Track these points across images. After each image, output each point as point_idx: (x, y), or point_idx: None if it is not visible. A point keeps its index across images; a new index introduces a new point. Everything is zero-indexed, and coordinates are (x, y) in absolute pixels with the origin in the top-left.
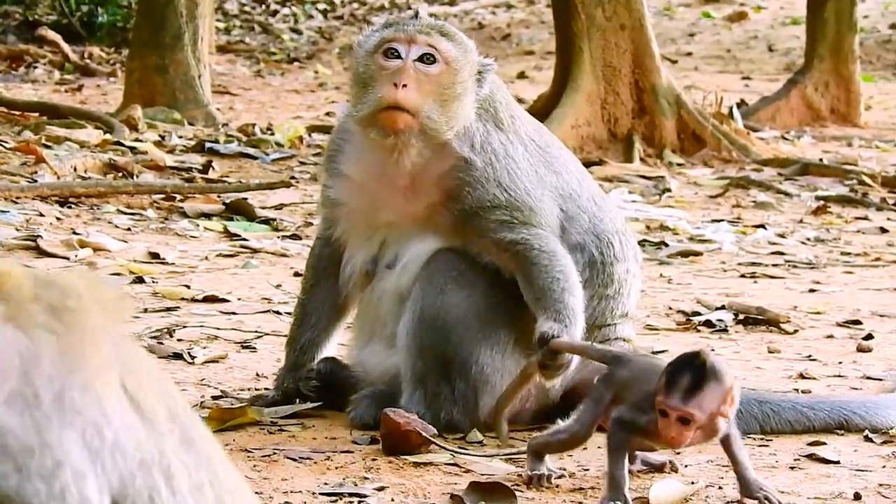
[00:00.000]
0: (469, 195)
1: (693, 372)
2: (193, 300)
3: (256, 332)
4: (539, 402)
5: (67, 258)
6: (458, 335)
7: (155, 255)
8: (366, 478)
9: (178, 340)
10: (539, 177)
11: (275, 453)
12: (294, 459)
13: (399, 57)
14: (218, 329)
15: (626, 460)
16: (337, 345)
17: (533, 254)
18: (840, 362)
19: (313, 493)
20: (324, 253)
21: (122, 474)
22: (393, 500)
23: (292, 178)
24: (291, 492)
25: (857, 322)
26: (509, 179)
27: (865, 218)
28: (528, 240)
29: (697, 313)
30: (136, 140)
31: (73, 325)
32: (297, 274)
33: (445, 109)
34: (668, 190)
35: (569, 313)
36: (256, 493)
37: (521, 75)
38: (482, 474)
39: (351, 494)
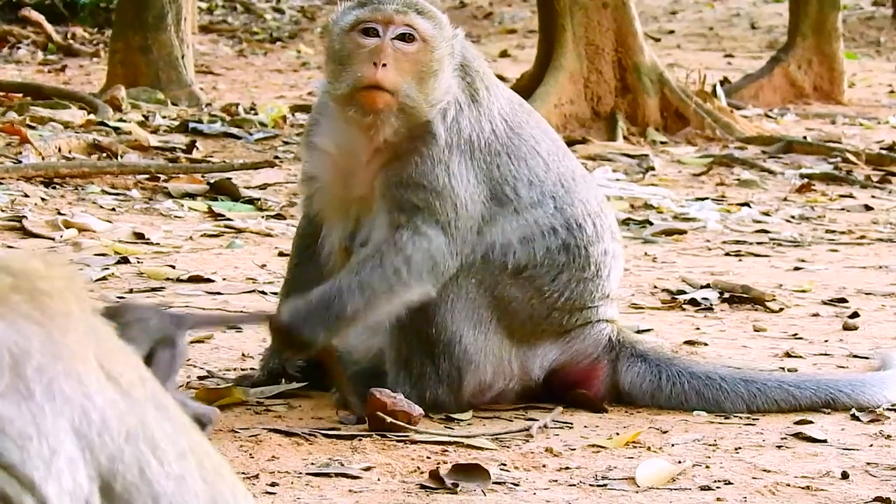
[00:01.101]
0: (415, 165)
1: None
2: (178, 280)
3: (242, 311)
4: (522, 383)
5: (52, 238)
6: (440, 315)
7: (140, 236)
8: (352, 457)
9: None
10: (488, 169)
11: (261, 433)
12: (280, 439)
13: (377, 35)
14: (203, 309)
15: None
16: None
17: (401, 236)
18: (826, 340)
19: (300, 473)
20: (307, 231)
21: (111, 452)
22: (379, 479)
23: (276, 157)
24: (278, 472)
25: (843, 300)
26: (457, 167)
27: (850, 196)
28: (412, 227)
29: (682, 292)
30: (120, 120)
31: (52, 311)
32: (281, 254)
33: (424, 87)
34: (652, 168)
35: (339, 312)
36: (243, 473)
37: (504, 54)
38: (468, 452)
39: (338, 474)
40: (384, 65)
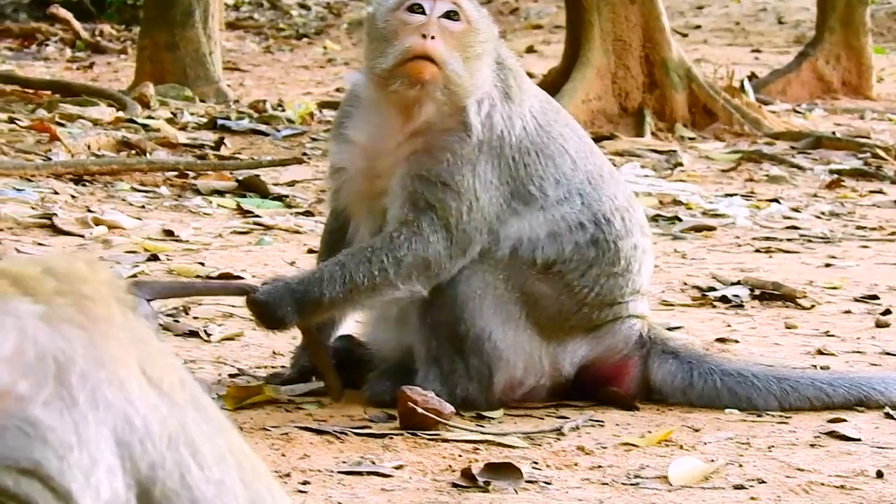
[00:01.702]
0: (446, 163)
1: None
2: (208, 277)
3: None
4: (553, 380)
5: (82, 236)
6: (469, 311)
7: (169, 233)
8: (384, 455)
9: (194, 318)
10: (515, 168)
11: (292, 431)
12: (312, 437)
13: (423, 12)
14: (233, 307)
15: None
16: (353, 322)
17: (399, 235)
18: (858, 338)
19: (331, 471)
20: (334, 227)
21: (152, 459)
22: (411, 477)
23: (304, 154)
24: (310, 470)
25: (875, 297)
26: (483, 168)
27: (880, 191)
28: (415, 228)
29: (713, 288)
30: (149, 117)
31: (95, 315)
32: (310, 251)
33: (468, 67)
34: (680, 164)
35: (315, 298)
36: (275, 471)
37: (530, 49)
38: (499, 450)
39: (369, 472)
40: (433, 37)
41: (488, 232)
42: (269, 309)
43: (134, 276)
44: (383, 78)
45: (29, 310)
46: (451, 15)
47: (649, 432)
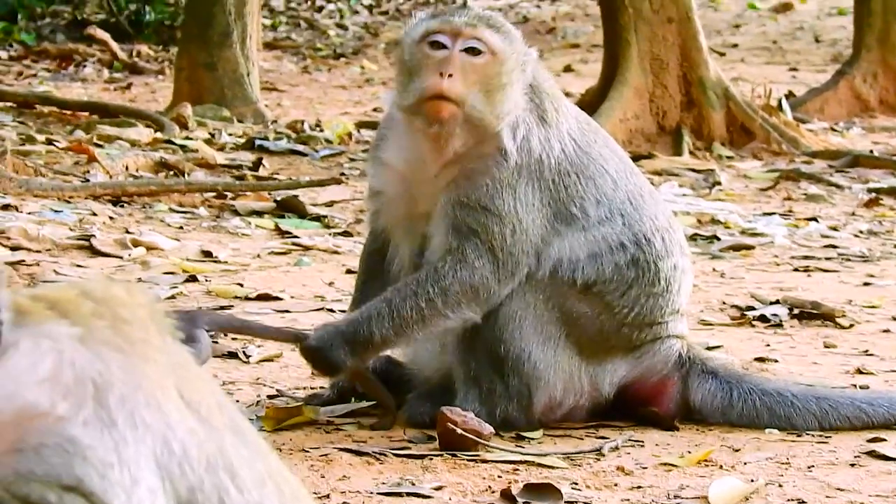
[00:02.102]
0: (485, 188)
1: None
2: (247, 298)
3: (310, 329)
4: (592, 400)
5: (121, 257)
6: (509, 331)
7: (207, 254)
8: (423, 476)
9: (233, 339)
10: (556, 190)
11: (332, 452)
12: (351, 458)
13: (445, 47)
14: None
15: None
16: None
17: (444, 265)
18: None
19: (371, 493)
20: (373, 248)
21: (191, 483)
22: (451, 498)
23: (342, 174)
24: (349, 491)
25: None
26: (523, 191)
27: None
28: (460, 255)
29: (752, 308)
30: (187, 138)
31: (133, 338)
32: (349, 271)
33: (491, 100)
34: (719, 183)
35: (366, 337)
36: (314, 493)
37: (567, 69)
38: (539, 471)
39: (409, 493)
40: (450, 75)
41: (534, 254)
42: (322, 354)
43: (172, 297)
44: (407, 114)
45: (66, 332)
46: (473, 50)
47: (689, 452)
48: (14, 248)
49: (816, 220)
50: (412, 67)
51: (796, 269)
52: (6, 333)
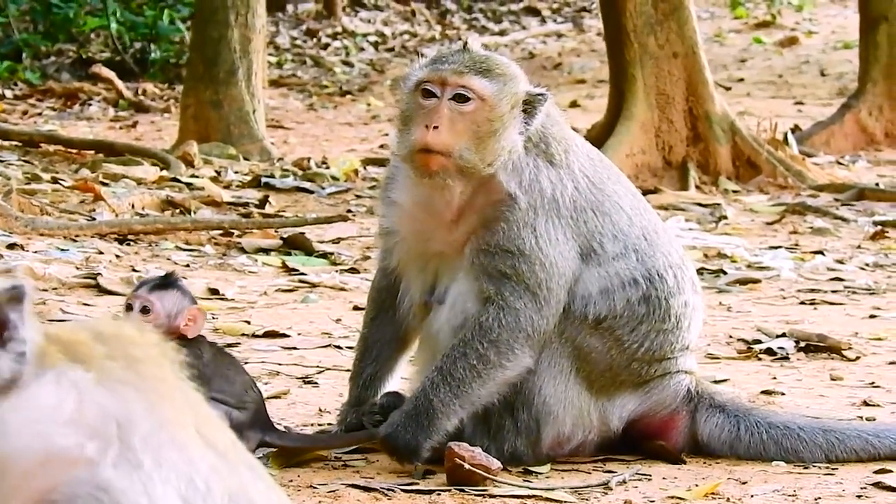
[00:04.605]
0: (502, 232)
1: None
2: (254, 336)
3: (318, 367)
4: (601, 435)
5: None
6: None
7: (214, 291)
8: None
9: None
10: (575, 226)
11: (340, 489)
12: (359, 494)
13: (436, 96)
14: (279, 364)
15: None
16: (400, 378)
17: (486, 316)
18: None
19: None
20: (382, 285)
21: None
22: None
23: (349, 211)
24: None
25: None
26: (544, 227)
27: None
28: (500, 301)
29: (758, 341)
30: (193, 176)
31: (147, 375)
32: (356, 308)
33: (482, 146)
34: (725, 217)
35: (428, 409)
36: None
37: (574, 104)
38: None
39: None
40: (436, 127)
41: (567, 287)
42: (396, 441)
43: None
44: (403, 163)
45: (82, 377)
46: (461, 97)
47: (696, 485)
48: None
49: (822, 254)
50: (407, 116)
51: (802, 303)
52: (28, 369)
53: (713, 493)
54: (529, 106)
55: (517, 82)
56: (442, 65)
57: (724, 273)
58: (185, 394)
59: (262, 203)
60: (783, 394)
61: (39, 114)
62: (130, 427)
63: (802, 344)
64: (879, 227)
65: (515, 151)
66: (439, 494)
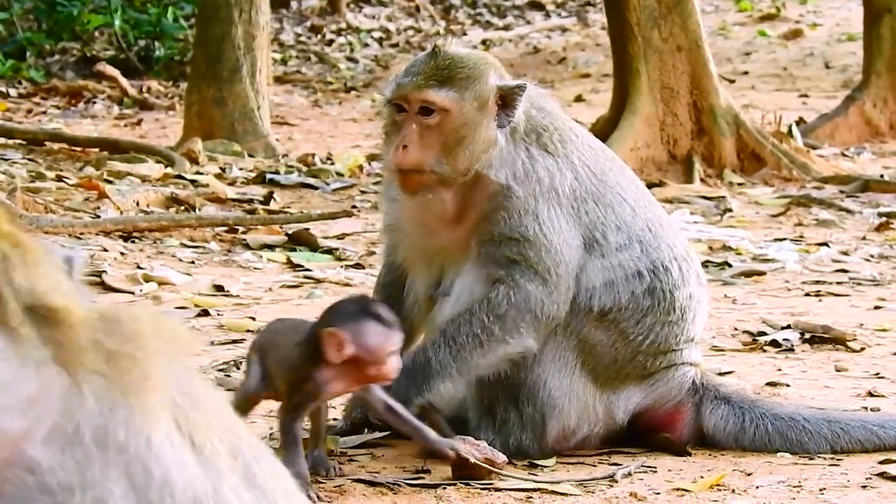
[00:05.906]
0: (504, 221)
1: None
2: (259, 332)
3: None
4: (606, 427)
5: (132, 293)
6: (524, 359)
7: (219, 288)
8: None
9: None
10: (577, 215)
11: (345, 483)
12: (365, 489)
13: (405, 110)
14: None
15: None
16: None
17: (497, 294)
18: None
19: None
20: (388, 280)
21: None
22: None
23: (354, 207)
24: None
25: None
26: (546, 215)
27: None
28: (510, 282)
29: (763, 333)
30: (197, 173)
31: (127, 369)
32: None
33: (453, 154)
34: (730, 210)
35: (425, 366)
36: None
37: (578, 98)
38: (552, 498)
39: None
40: (405, 147)
41: (574, 275)
42: (387, 391)
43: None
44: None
45: (48, 355)
46: (425, 110)
47: (701, 477)
48: None
49: (827, 245)
50: (385, 132)
51: (807, 294)
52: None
53: (718, 485)
54: (507, 98)
55: (484, 81)
56: (405, 79)
57: (729, 265)
58: (181, 392)
59: (267, 199)
60: (788, 385)
61: (44, 112)
62: (78, 401)
63: (807, 335)
64: (884, 219)
65: (497, 146)
66: (445, 488)
